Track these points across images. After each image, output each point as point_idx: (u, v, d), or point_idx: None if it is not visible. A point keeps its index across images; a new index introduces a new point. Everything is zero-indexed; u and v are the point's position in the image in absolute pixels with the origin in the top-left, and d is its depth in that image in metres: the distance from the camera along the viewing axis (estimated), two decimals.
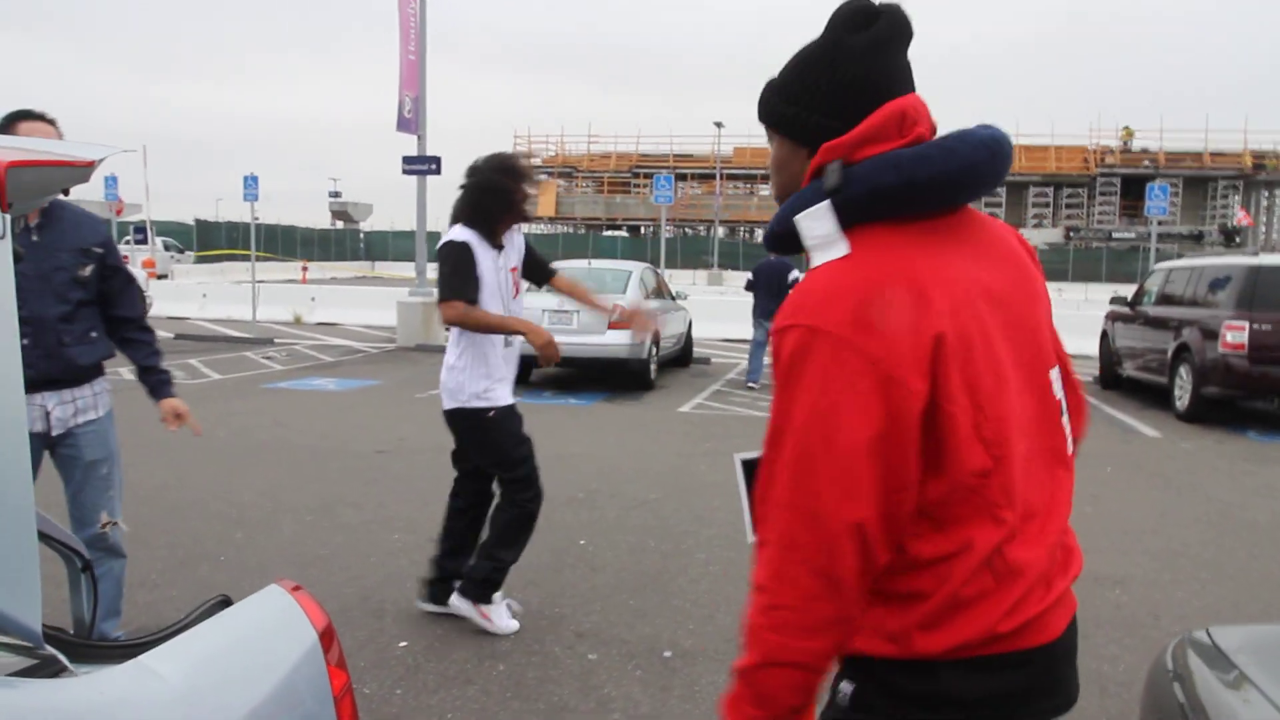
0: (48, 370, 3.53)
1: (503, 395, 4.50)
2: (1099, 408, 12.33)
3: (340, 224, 70.47)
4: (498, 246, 4.43)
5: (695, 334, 16.41)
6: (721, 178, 58.00)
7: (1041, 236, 55.58)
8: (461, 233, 4.37)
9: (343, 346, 17.39)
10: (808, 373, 1.38)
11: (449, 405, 4.52)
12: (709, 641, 4.40)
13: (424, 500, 6.81)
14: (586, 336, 12.34)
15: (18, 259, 2.93)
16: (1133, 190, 58.38)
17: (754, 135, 63.13)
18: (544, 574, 5.30)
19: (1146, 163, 58.27)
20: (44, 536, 1.91)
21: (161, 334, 18.43)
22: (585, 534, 6.09)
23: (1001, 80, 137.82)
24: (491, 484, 4.70)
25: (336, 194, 74.02)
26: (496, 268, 4.41)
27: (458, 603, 4.48)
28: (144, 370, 3.92)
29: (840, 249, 1.45)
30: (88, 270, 3.64)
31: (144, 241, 41.29)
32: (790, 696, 1.41)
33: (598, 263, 14.42)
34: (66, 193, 3.51)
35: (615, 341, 12.28)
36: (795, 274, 13.34)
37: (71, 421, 3.63)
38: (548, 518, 6.40)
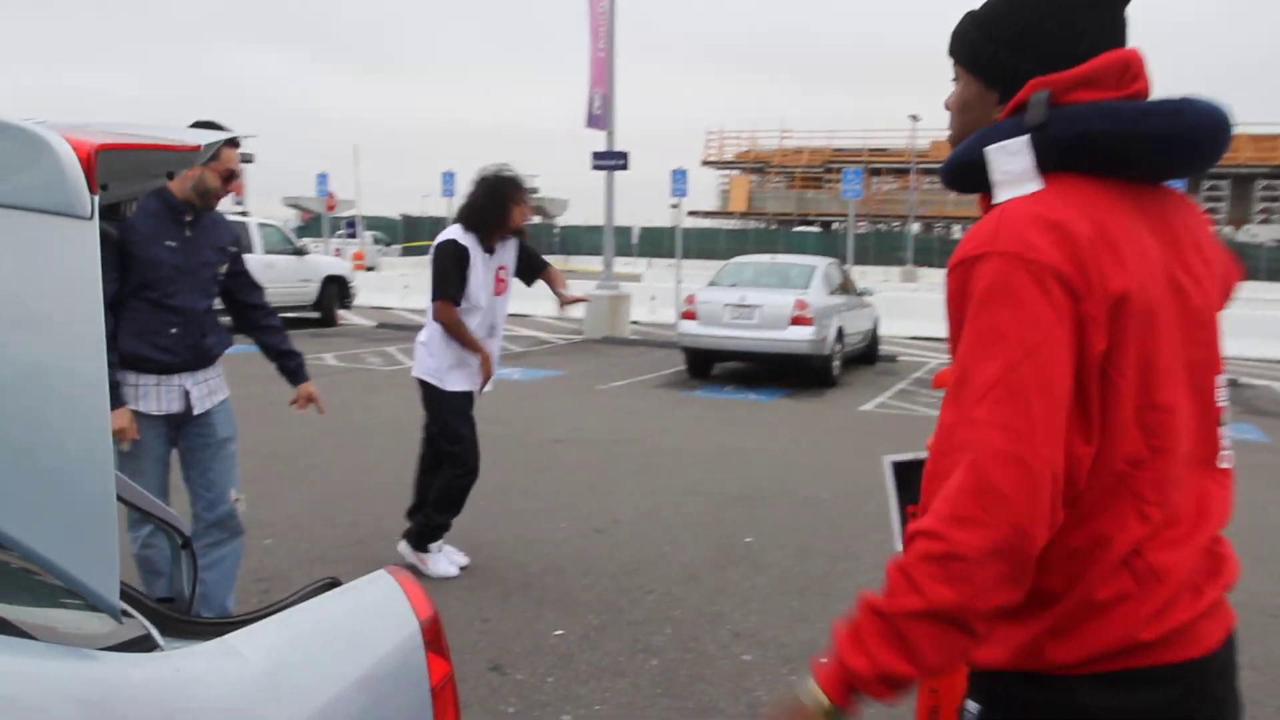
0: (190, 358, 3.75)
1: (456, 382, 5.16)
2: None
3: (537, 219, 72.38)
4: (489, 250, 5.11)
5: (883, 331, 15.97)
6: (917, 172, 56.34)
7: (1270, 232, 51.38)
8: (460, 234, 5.04)
9: (531, 337, 17.82)
10: (1013, 303, 1.24)
11: (415, 373, 5.29)
12: None
13: (594, 490, 6.86)
14: (767, 331, 12.19)
15: (179, 248, 3.04)
16: None
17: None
18: (706, 570, 5.23)
19: None
20: (146, 513, 1.96)
21: (363, 322, 19.41)
22: (752, 531, 5.97)
23: (1216, 54, 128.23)
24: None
25: (534, 190, 76.04)
26: (486, 267, 5.10)
27: (402, 548, 5.16)
28: (282, 354, 4.17)
29: (1032, 187, 1.32)
30: (224, 267, 3.89)
31: (354, 235, 43.59)
32: (937, 656, 1.23)
33: (781, 257, 14.22)
34: (230, 183, 3.69)
35: (797, 337, 12.08)
36: None
37: (209, 401, 3.83)
38: (714, 513, 6.35)
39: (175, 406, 3.71)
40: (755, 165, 67.21)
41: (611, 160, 18.58)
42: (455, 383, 5.15)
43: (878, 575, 4.25)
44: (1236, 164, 51.63)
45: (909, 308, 20.32)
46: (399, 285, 26.32)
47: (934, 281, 40.60)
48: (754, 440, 8.99)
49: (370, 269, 39.66)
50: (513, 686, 3.74)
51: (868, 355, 15.10)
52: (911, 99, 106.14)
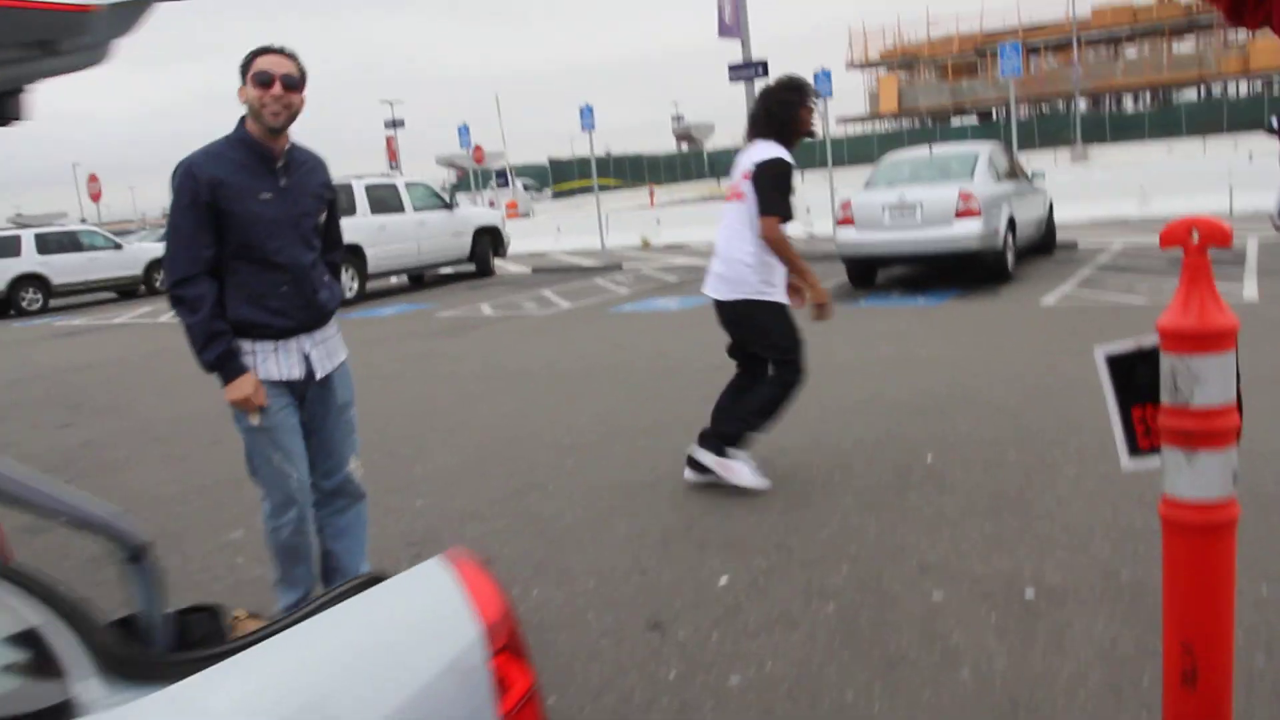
0: (305, 318, 3.44)
1: (782, 295, 5.03)
2: None
3: (685, 147, 71.59)
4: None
5: (1058, 217, 14.79)
6: (1080, 44, 52.52)
7: None
8: (781, 150, 4.91)
9: (686, 266, 17.40)
10: None
11: (732, 296, 5.03)
12: (1081, 577, 3.66)
13: None
14: (931, 230, 11.39)
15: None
16: None
17: None
18: (885, 495, 4.74)
19: None
20: (88, 524, 1.62)
21: (519, 269, 19.43)
22: (934, 447, 5.43)
23: None
24: (765, 370, 5.14)
25: (679, 117, 75.21)
26: None
27: (698, 451, 5.06)
28: None
29: None
30: (323, 215, 3.55)
31: (505, 185, 44.02)
32: None
33: (940, 147, 13.26)
34: (288, 92, 3.29)
35: (964, 233, 11.22)
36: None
37: (329, 364, 3.53)
38: (890, 431, 5.82)
39: (297, 372, 3.41)
40: (903, 61, 64.24)
41: (749, 70, 17.80)
42: (779, 296, 5.01)
43: (1081, 487, 3.66)
44: None
45: (1083, 190, 18.87)
46: (552, 229, 26.34)
47: (1107, 160, 37.91)
48: (927, 348, 8.35)
49: (525, 216, 40.00)
50: (674, 647, 3.38)
51: (1044, 245, 14.01)
52: None
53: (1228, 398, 1.81)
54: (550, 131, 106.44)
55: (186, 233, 3.27)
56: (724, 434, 5.02)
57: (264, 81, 3.27)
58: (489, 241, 19.60)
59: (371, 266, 16.82)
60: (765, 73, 17.62)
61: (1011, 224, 11.85)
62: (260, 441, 3.40)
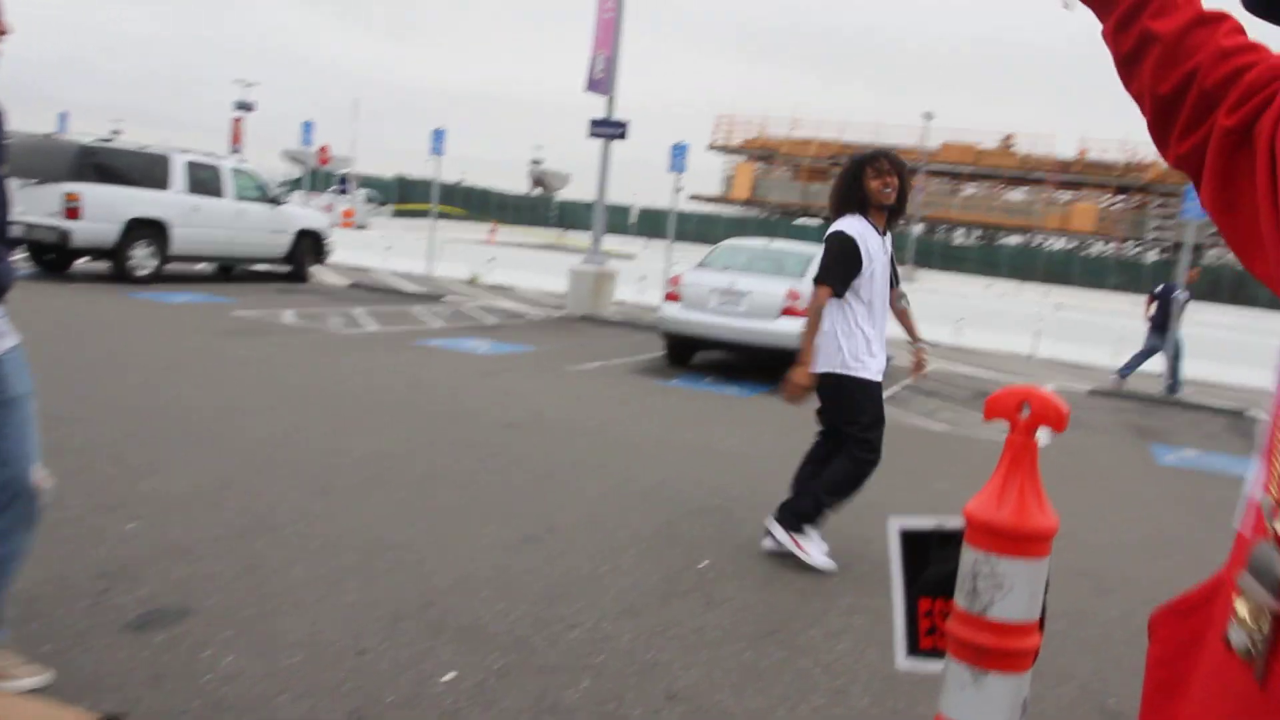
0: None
1: (870, 369, 5.02)
2: None
3: (538, 191, 71.39)
4: (882, 232, 5.05)
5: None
6: (925, 173, 55.44)
7: None
8: (847, 223, 4.98)
9: (509, 310, 16.92)
10: None
11: (821, 368, 5.04)
12: None
13: (536, 487, 5.98)
14: (754, 321, 11.31)
15: None
16: None
17: (963, 130, 60.14)
18: (648, 600, 4.36)
19: None
20: None
21: (338, 280, 18.47)
22: (711, 552, 5.11)
23: None
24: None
25: (538, 161, 75.07)
26: (882, 253, 5.03)
27: (772, 524, 5.10)
28: None
29: None
30: None
31: (346, 192, 42.58)
32: None
33: (777, 243, 13.31)
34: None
35: (787, 330, 11.19)
36: (1179, 294, 14.05)
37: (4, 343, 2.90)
38: (669, 527, 5.47)
39: None
40: (762, 153, 66.18)
41: (609, 129, 17.63)
42: (865, 370, 5.03)
43: (852, 623, 3.30)
44: None
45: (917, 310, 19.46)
46: (382, 246, 25.39)
47: (933, 285, 39.76)
48: (727, 440, 8.12)
49: (360, 228, 38.68)
50: None
51: None
52: (927, 98, 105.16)
53: (1032, 614, 1.49)
54: (405, 149, 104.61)
55: None
56: (799, 510, 5.05)
57: None
58: (310, 246, 18.61)
59: (175, 248, 15.65)
60: (624, 134, 17.49)
61: None
62: None
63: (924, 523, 1.62)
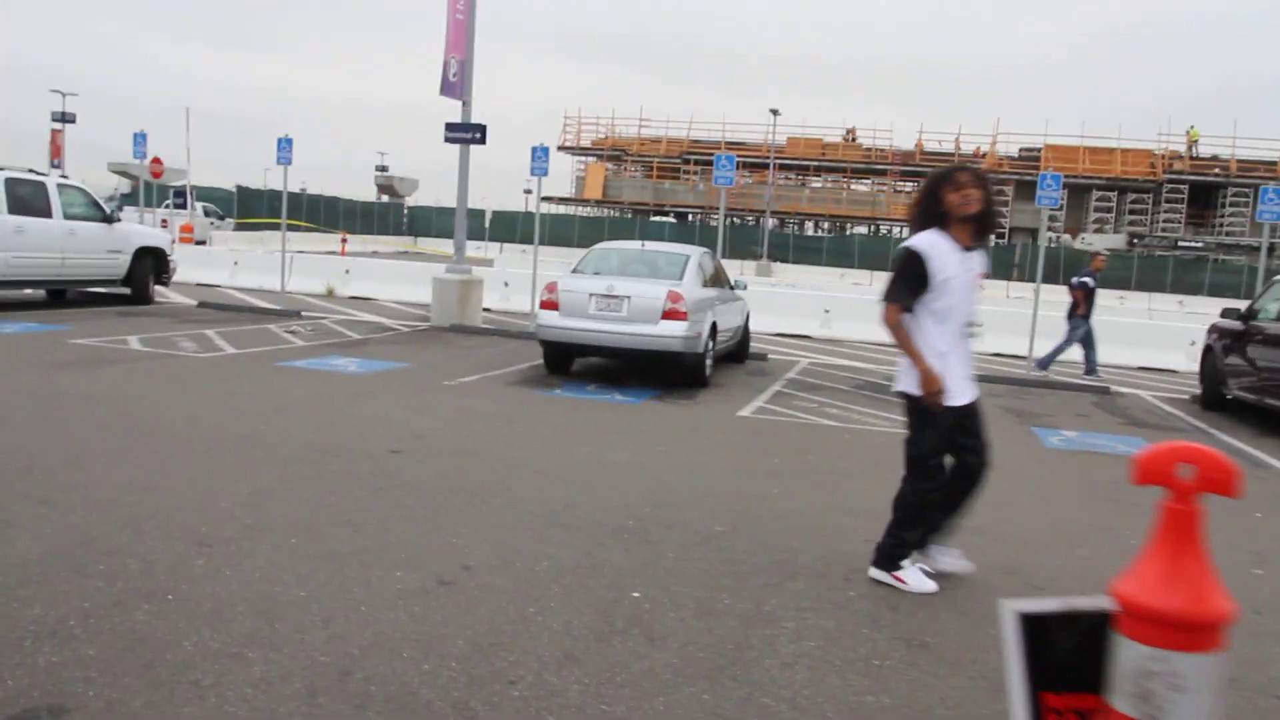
0: None
1: (953, 393, 4.81)
2: (1208, 432, 10.82)
3: (385, 198, 69.60)
4: (966, 248, 4.84)
5: (753, 326, 15.05)
6: (774, 167, 56.35)
7: (1103, 241, 53.44)
8: (918, 240, 4.80)
9: (373, 323, 16.21)
10: None
11: (899, 387, 4.94)
12: None
13: (437, 521, 5.53)
14: (637, 326, 11.04)
15: None
16: (1200, 198, 56.05)
17: (808, 125, 61.44)
18: (587, 643, 3.99)
19: (1217, 170, 55.91)
20: None
21: (185, 301, 17.35)
22: (639, 582, 4.77)
23: (1065, 79, 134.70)
24: (968, 467, 5.00)
25: (383, 168, 73.18)
26: (963, 269, 4.81)
27: (873, 571, 4.98)
28: None
29: None
30: None
31: (184, 206, 40.47)
32: None
33: (652, 245, 13.06)
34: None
35: (670, 333, 10.96)
36: (1089, 281, 14.84)
37: None
38: (588, 555, 5.11)
39: None
40: (613, 153, 66.10)
41: (467, 133, 17.08)
42: (948, 394, 4.83)
43: (803, 646, 2.67)
44: (1074, 175, 53.49)
45: (776, 304, 19.55)
46: (229, 261, 24.09)
47: (792, 278, 40.36)
48: (625, 452, 7.80)
49: (200, 243, 36.78)
50: None
51: (739, 354, 14.15)
52: (770, 99, 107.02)
53: None
54: (242, 160, 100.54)
55: None
56: (883, 550, 4.99)
57: None
58: (151, 265, 17.44)
59: None
60: (483, 138, 16.97)
61: (714, 330, 11.75)
62: None
63: (1046, 605, 1.32)
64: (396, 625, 4.02)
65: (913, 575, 4.92)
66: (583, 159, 68.04)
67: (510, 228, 56.54)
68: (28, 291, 16.34)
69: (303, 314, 16.87)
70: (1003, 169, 55.95)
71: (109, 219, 16.76)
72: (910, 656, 4.06)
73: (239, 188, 52.60)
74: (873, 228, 62.68)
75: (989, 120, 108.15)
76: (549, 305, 11.53)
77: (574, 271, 12.15)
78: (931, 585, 4.89)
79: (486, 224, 51.01)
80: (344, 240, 42.96)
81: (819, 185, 63.11)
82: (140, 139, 20.64)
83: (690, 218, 63.84)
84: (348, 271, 22.89)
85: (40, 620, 3.84)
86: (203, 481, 6.06)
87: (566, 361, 12.09)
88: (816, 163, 61.32)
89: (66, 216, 15.73)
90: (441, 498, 6.00)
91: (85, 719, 3.12)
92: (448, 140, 17.20)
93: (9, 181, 14.81)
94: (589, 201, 66.72)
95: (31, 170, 15.96)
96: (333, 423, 8.18)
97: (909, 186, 59.50)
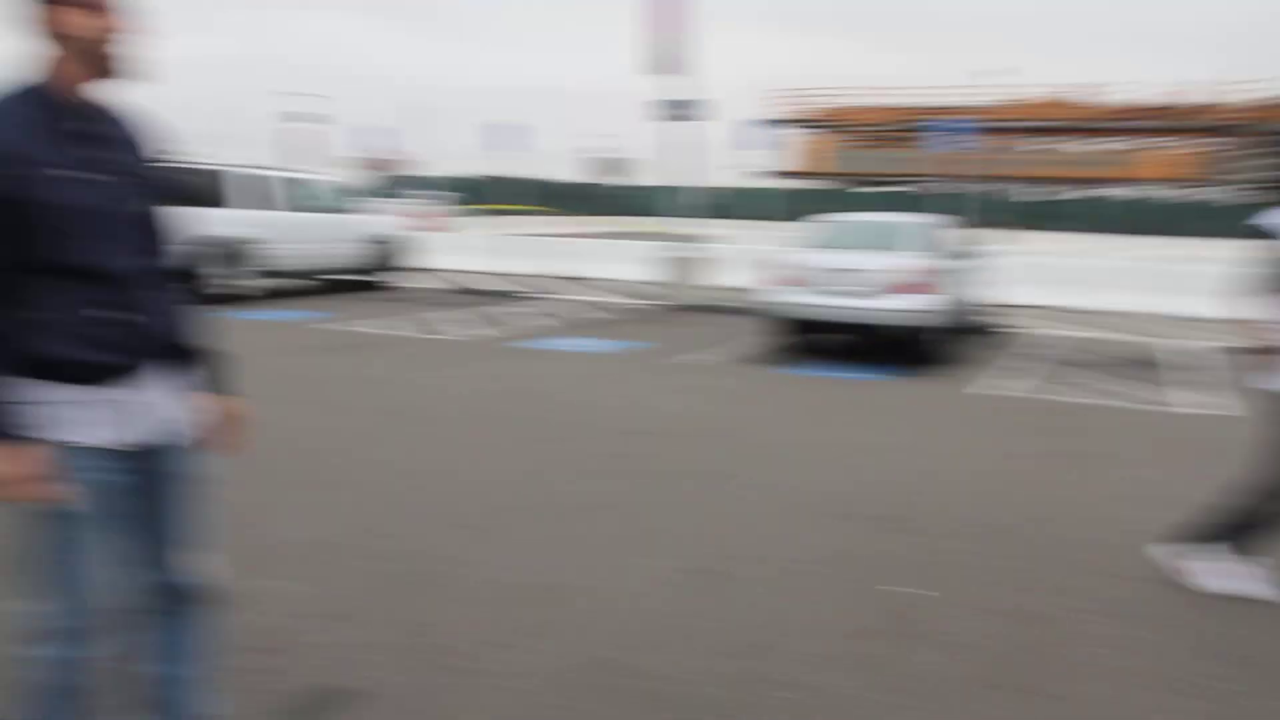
0: (126, 354, 2.35)
1: None
2: None
3: (609, 180, 71.02)
4: None
5: (999, 300, 14.27)
6: (1024, 130, 53.51)
7: None
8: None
9: (607, 303, 16.45)
10: None
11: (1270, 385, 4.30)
12: None
13: (690, 507, 5.45)
14: (874, 300, 10.64)
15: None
16: None
17: (1018, 85, 58.04)
18: (868, 644, 3.78)
19: None
20: None
21: (431, 285, 18.16)
22: (925, 577, 4.49)
23: None
24: None
25: (601, 149, 74.67)
26: None
27: (1172, 553, 4.53)
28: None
29: None
30: (149, 201, 2.45)
31: (424, 194, 42.60)
32: None
33: (888, 216, 12.58)
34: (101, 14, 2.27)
35: (911, 307, 10.52)
36: None
37: (156, 421, 2.43)
38: (861, 547, 4.81)
39: (108, 433, 2.31)
40: (829, 123, 64.77)
41: (684, 109, 17.02)
42: None
43: (1097, 655, 2.53)
44: None
45: (1024, 274, 18.46)
46: (468, 247, 25.14)
47: (1040, 247, 38.18)
48: (879, 433, 7.51)
49: (442, 230, 38.66)
50: None
51: (984, 327, 13.45)
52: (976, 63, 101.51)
53: None
54: (477, 149, 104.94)
55: None
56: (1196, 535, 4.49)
57: (99, 6, 2.24)
58: (395, 252, 18.40)
59: (254, 264, 15.41)
60: (700, 115, 16.87)
61: (959, 303, 11.20)
62: (53, 536, 2.29)
63: None
64: (649, 614, 3.96)
65: (1219, 571, 4.40)
66: (798, 132, 67.00)
67: (725, 203, 56.47)
68: (291, 281, 17.53)
69: (541, 296, 17.34)
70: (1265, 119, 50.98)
71: (353, 209, 17.78)
72: (1230, 672, 3.64)
73: (478, 176, 54.93)
74: (1129, 188, 58.46)
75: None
76: (781, 280, 11.30)
77: (807, 246, 11.85)
78: (1240, 587, 4.36)
79: (699, 201, 51.33)
80: (573, 223, 44.01)
81: (1024, 149, 59.44)
82: (382, 133, 21.74)
83: (913, 187, 61.83)
84: (579, 252, 23.41)
85: (318, 601, 4.00)
86: (466, 464, 6.24)
87: (800, 338, 11.83)
88: (1030, 124, 57.74)
89: (322, 210, 16.81)
90: (692, 482, 5.93)
91: (377, 705, 3.20)
92: (665, 119, 17.18)
93: (264, 179, 15.92)
94: (807, 174, 65.74)
95: (280, 166, 17.10)
96: (576, 403, 8.29)
97: (1174, 142, 55.17)
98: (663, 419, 7.73)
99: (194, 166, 15.35)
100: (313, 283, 17.84)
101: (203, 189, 14.81)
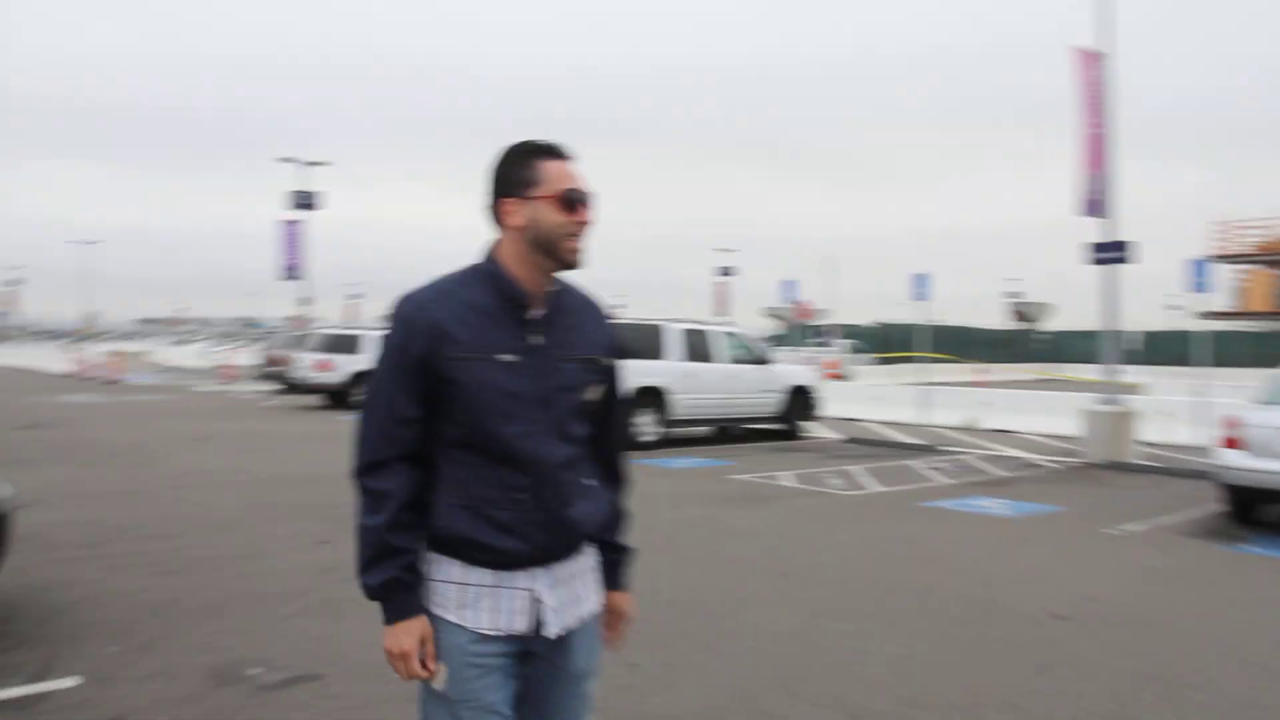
0: (546, 543, 2.28)
1: None
2: None
3: (1019, 325, 67.94)
4: None
5: None
6: None
7: None
8: None
9: (1017, 459, 15.35)
10: None
11: None
12: None
13: (1120, 717, 4.67)
14: None
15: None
16: None
17: None
18: None
19: None
20: None
21: (830, 435, 18.02)
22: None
23: None
24: None
25: (1015, 294, 71.72)
26: None
27: None
28: (608, 527, 2.51)
29: None
30: (594, 390, 2.39)
31: (826, 344, 43.02)
32: None
33: None
34: (579, 212, 2.30)
35: None
36: None
37: (569, 615, 2.33)
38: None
39: (518, 623, 2.25)
40: (1269, 257, 57.78)
41: (1112, 252, 15.80)
42: None
43: None
44: None
45: None
46: (869, 396, 24.84)
47: None
48: None
49: (843, 378, 38.72)
50: None
51: None
52: None
53: None
54: (879, 295, 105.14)
55: (386, 399, 2.26)
56: None
57: (575, 202, 2.27)
58: (801, 402, 18.52)
59: (674, 413, 16.21)
60: (1130, 257, 15.58)
61: None
62: (439, 713, 2.26)
63: None
64: None
65: None
66: (1240, 268, 60.41)
67: (1160, 348, 51.65)
68: (699, 429, 18.12)
69: (943, 448, 16.58)
70: None
71: (763, 360, 18.21)
72: None
73: (876, 324, 54.82)
74: None
75: None
76: (1231, 442, 9.89)
77: (1262, 401, 10.34)
78: None
79: (1135, 346, 47.31)
80: (980, 371, 42.34)
81: None
82: (789, 286, 22.26)
83: None
84: (986, 403, 22.27)
85: None
86: (851, 638, 5.85)
87: (1254, 509, 10.23)
88: None
89: (727, 359, 17.40)
90: (1125, 684, 5.11)
91: None
92: (1092, 261, 16.05)
93: (679, 331, 16.76)
94: (1254, 314, 58.82)
95: (697, 319, 17.91)
96: (984, 574, 7.61)
97: None
98: (1089, 601, 6.85)
99: (629, 322, 16.56)
100: (717, 429, 18.31)
101: (636, 343, 15.83)
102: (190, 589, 6.63)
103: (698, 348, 16.98)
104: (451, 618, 2.24)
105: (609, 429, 2.49)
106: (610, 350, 2.44)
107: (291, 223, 36.75)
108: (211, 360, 45.43)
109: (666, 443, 15.95)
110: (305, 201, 36.40)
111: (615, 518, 2.51)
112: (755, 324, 51.75)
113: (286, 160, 36.64)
